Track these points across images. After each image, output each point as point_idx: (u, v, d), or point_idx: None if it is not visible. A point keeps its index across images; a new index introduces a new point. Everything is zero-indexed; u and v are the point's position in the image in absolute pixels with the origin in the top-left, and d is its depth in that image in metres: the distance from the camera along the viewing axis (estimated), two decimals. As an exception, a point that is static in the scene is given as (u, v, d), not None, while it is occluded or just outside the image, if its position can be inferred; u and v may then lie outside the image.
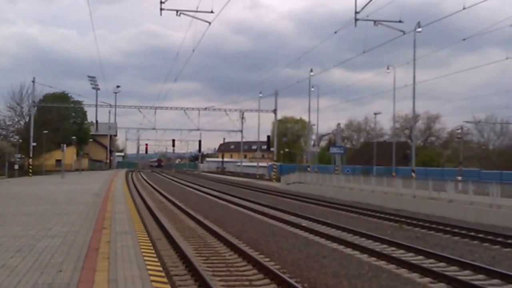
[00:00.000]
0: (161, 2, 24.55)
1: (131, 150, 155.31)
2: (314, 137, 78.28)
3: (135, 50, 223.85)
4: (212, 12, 25.15)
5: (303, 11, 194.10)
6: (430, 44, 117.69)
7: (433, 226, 18.48)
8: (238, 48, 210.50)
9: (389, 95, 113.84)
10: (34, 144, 58.41)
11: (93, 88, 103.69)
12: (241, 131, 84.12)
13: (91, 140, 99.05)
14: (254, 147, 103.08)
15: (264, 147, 75.23)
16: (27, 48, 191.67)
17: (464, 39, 31.44)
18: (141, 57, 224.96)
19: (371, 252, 12.81)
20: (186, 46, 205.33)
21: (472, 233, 16.64)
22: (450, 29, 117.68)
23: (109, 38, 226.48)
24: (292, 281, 9.26)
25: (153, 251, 10.03)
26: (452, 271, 11.00)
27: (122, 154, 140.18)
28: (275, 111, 65.84)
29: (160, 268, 8.47)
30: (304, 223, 19.06)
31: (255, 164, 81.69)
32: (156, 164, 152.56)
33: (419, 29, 34.44)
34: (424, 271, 10.61)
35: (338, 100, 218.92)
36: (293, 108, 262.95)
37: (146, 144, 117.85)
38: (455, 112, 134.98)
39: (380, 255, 12.39)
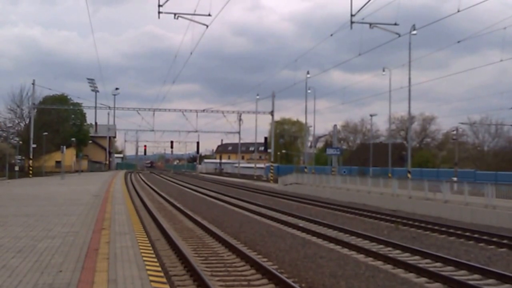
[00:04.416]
0: (159, 5, 24.57)
1: (130, 151, 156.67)
2: (311, 138, 78.52)
3: (135, 52, 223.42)
4: (209, 15, 25.17)
5: (303, 13, 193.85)
6: (429, 46, 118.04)
7: (429, 226, 18.60)
8: (238, 50, 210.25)
9: (387, 97, 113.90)
10: (34, 145, 58.33)
11: (92, 90, 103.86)
12: (239, 132, 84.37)
13: (90, 141, 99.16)
14: (251, 148, 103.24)
15: (262, 148, 75.26)
16: (29, 50, 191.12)
17: (459, 41, 31.67)
18: (141, 59, 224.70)
19: (368, 252, 12.91)
20: (185, 48, 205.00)
21: (468, 234, 16.76)
22: (449, 31, 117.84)
23: (110, 40, 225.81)
24: (290, 281, 9.33)
25: (152, 252, 10.08)
26: (448, 271, 11.09)
27: (121, 155, 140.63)
28: (272, 113, 65.89)
29: (159, 268, 8.52)
30: (301, 223, 19.17)
31: (252, 165, 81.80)
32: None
33: (414, 32, 34.64)
34: (420, 271, 10.70)
35: (337, 102, 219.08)
36: (291, 110, 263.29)
37: (145, 146, 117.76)
38: (452, 113, 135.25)
39: (376, 255, 12.49)
